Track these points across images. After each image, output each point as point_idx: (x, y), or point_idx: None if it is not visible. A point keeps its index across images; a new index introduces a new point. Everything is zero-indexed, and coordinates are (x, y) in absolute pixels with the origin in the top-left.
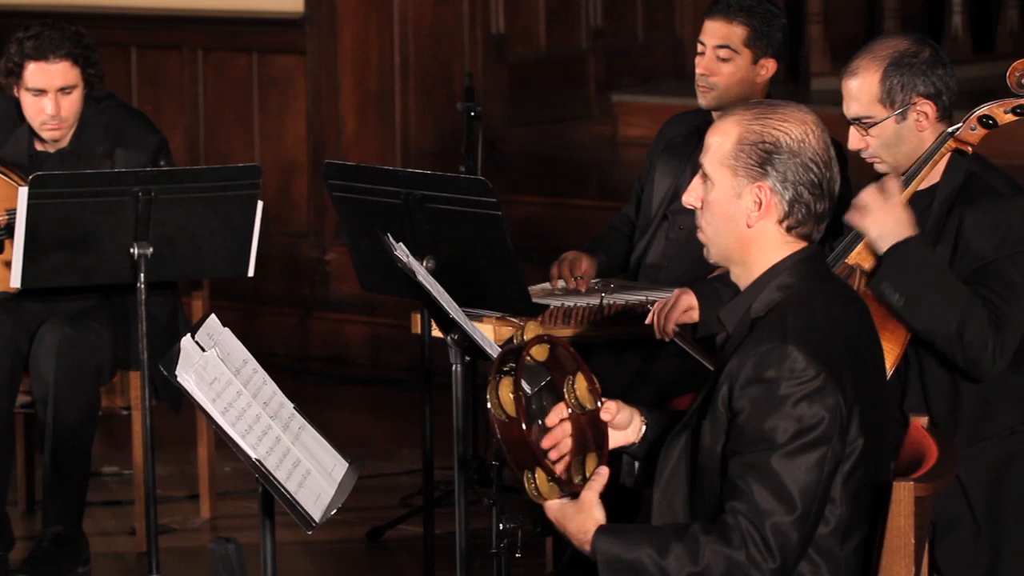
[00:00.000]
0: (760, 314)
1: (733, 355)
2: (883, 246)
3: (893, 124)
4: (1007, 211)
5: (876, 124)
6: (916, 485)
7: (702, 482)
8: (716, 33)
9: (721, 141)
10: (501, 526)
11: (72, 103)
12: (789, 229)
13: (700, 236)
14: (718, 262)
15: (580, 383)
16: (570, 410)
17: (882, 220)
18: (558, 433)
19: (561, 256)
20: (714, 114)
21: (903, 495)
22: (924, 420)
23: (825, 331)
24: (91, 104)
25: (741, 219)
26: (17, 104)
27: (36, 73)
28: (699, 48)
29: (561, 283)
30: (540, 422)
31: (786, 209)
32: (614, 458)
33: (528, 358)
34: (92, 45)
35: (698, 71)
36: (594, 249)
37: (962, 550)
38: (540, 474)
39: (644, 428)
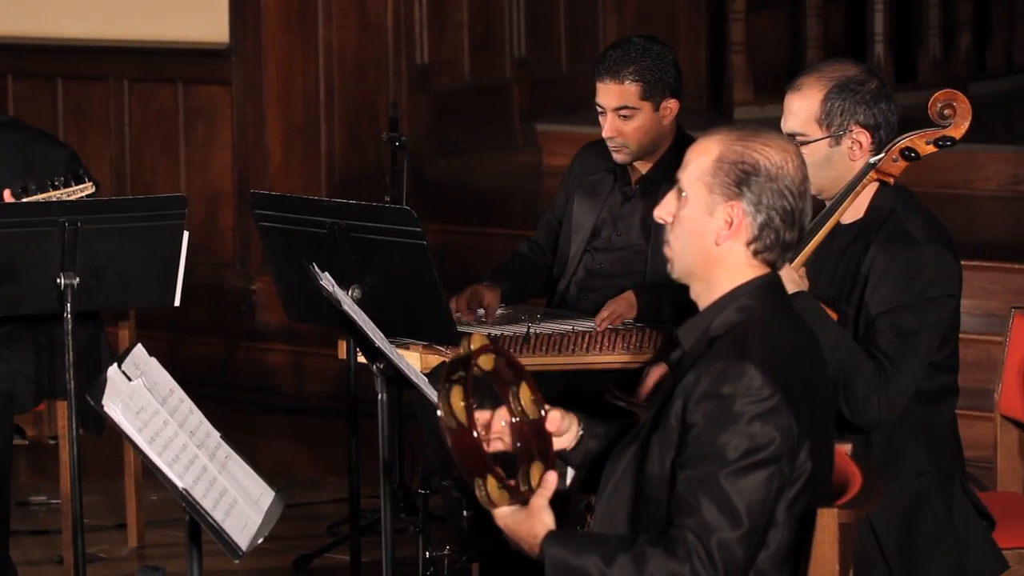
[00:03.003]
0: (719, 333)
1: (689, 370)
2: None
3: (825, 147)
4: (917, 259)
5: (809, 143)
6: (840, 512)
7: (647, 494)
8: (610, 95)
9: (701, 159)
10: (428, 554)
11: None
12: (756, 253)
13: (666, 251)
14: (680, 278)
15: (524, 393)
16: (515, 419)
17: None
18: (498, 444)
19: (462, 290)
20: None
21: (827, 522)
22: (848, 447)
23: (783, 355)
24: None
25: (710, 236)
26: None
27: None
28: (599, 110)
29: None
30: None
31: (756, 232)
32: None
33: (476, 368)
34: None
35: (605, 134)
36: (497, 278)
37: None
38: (491, 481)
39: (580, 434)
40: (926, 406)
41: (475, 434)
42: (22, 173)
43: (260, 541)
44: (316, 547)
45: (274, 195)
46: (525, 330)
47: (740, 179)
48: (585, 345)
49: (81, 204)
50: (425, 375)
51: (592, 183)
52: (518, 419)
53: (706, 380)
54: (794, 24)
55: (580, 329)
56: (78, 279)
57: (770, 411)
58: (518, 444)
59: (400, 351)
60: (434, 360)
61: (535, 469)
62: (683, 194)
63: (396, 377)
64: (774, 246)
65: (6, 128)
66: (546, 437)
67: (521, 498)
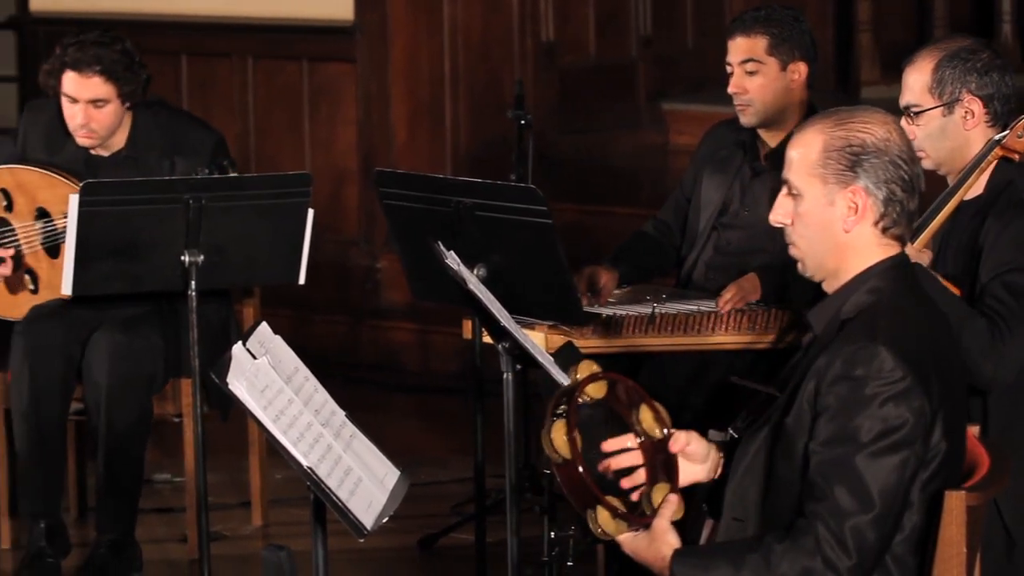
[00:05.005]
0: (850, 316)
1: (821, 354)
2: None
3: (939, 116)
4: None
5: (923, 112)
6: (968, 495)
7: (779, 480)
8: (738, 49)
9: (805, 151)
10: (552, 534)
11: (104, 116)
12: (885, 230)
13: (793, 252)
14: (814, 275)
15: (645, 414)
16: (639, 439)
17: None
18: (625, 459)
19: (579, 270)
20: (759, 131)
21: (955, 504)
22: (975, 429)
23: (914, 336)
24: (142, 111)
25: (837, 226)
26: None
27: (69, 82)
28: (728, 69)
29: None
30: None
31: (882, 209)
32: (689, 489)
33: (584, 397)
34: (135, 63)
35: (731, 91)
36: (617, 259)
37: (997, 566)
38: (602, 513)
39: (721, 465)
40: None
41: (580, 468)
42: (168, 153)
43: (385, 520)
44: (441, 527)
45: (399, 173)
46: (650, 310)
47: (853, 162)
48: (710, 325)
49: (206, 181)
50: (551, 355)
51: (722, 158)
52: (642, 440)
53: (838, 363)
54: (921, 3)
55: (705, 309)
56: (202, 256)
57: (903, 393)
58: (646, 466)
59: (525, 330)
60: (559, 340)
61: (658, 491)
62: (796, 192)
63: (521, 356)
64: (901, 218)
65: (153, 108)
66: (671, 459)
67: (641, 523)
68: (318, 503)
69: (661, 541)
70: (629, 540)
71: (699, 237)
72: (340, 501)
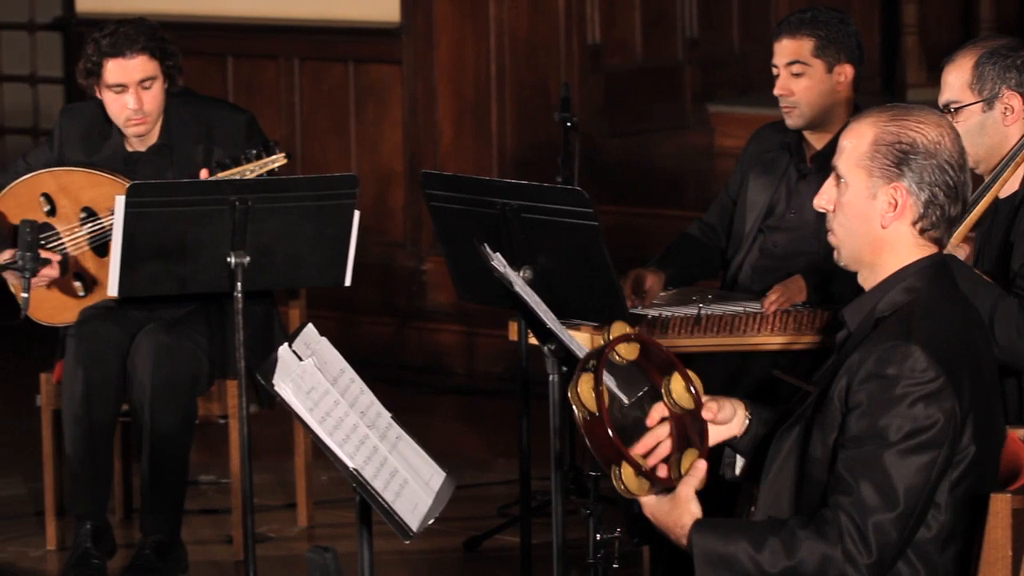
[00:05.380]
0: (885, 314)
1: (854, 351)
2: None
3: (979, 112)
4: None
5: (963, 108)
6: (1014, 498)
7: (811, 476)
8: (784, 51)
9: (856, 142)
10: (598, 536)
11: (153, 96)
12: (922, 231)
13: (831, 239)
14: (848, 265)
15: (676, 383)
16: (670, 410)
17: None
18: (658, 432)
19: (625, 273)
20: (805, 133)
21: (1001, 507)
22: (1022, 432)
23: (948, 336)
24: (173, 100)
25: (875, 220)
26: (104, 109)
27: (115, 70)
28: (774, 71)
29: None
30: (641, 426)
31: (921, 211)
32: (712, 450)
33: (616, 356)
34: (167, 39)
35: (776, 93)
36: (664, 262)
37: None
38: (627, 469)
39: (748, 420)
40: None
41: (606, 421)
42: (203, 139)
43: (431, 522)
44: (486, 528)
45: (445, 175)
46: (696, 311)
47: (899, 159)
48: (756, 326)
49: (252, 183)
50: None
51: (768, 160)
52: (673, 409)
53: (870, 361)
54: (967, 5)
55: (750, 310)
56: (248, 258)
57: (934, 393)
58: (673, 433)
59: (571, 332)
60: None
61: (687, 456)
62: (842, 180)
63: (567, 358)
64: (940, 222)
65: (182, 97)
66: (702, 426)
67: (665, 485)
68: (364, 504)
69: (683, 508)
70: (652, 503)
71: (745, 239)
72: (386, 503)
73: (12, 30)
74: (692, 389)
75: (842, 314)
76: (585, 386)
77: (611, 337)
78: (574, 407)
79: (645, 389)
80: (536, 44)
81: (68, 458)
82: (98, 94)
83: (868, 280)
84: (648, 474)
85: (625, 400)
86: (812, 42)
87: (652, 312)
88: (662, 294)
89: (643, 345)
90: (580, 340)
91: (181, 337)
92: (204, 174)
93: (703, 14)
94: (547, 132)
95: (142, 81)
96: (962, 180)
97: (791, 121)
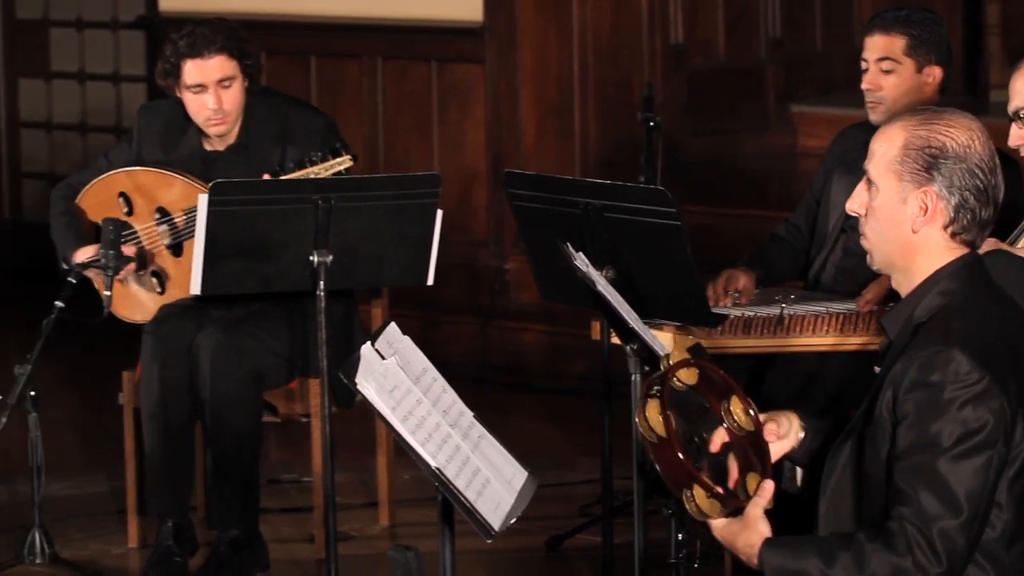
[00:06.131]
0: (922, 320)
1: (896, 361)
2: None
3: None
4: None
5: None
6: None
7: (868, 489)
8: (876, 47)
9: (887, 147)
10: (680, 536)
11: (233, 96)
12: (953, 235)
13: (863, 243)
14: (881, 269)
15: (736, 406)
16: (732, 433)
17: None
18: (717, 447)
19: (718, 272)
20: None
21: None
22: None
23: (988, 335)
24: (252, 99)
25: (906, 224)
26: (184, 109)
27: (193, 70)
28: (863, 65)
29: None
30: (705, 453)
31: (952, 215)
32: (775, 466)
33: (677, 382)
34: (245, 38)
35: (864, 87)
36: (753, 262)
37: None
38: (699, 491)
39: (803, 433)
40: None
41: (676, 445)
42: (281, 138)
43: (512, 521)
44: (568, 528)
45: (528, 174)
46: (779, 311)
47: (929, 164)
48: (839, 326)
49: (335, 182)
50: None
51: (851, 160)
52: (734, 431)
53: (913, 369)
54: None
55: (834, 310)
56: (331, 257)
57: (981, 395)
58: (737, 457)
59: (654, 332)
60: (687, 342)
61: (751, 478)
62: (873, 185)
63: (649, 358)
64: (971, 226)
65: (263, 96)
66: (763, 447)
67: (734, 506)
68: (446, 504)
69: (752, 528)
70: (721, 525)
71: (827, 239)
72: (468, 502)
73: (95, 28)
74: (751, 411)
75: (881, 323)
76: (652, 411)
77: (671, 363)
78: (642, 432)
79: (705, 413)
80: (619, 43)
81: (147, 456)
82: (178, 94)
83: (903, 285)
84: (719, 496)
85: (687, 425)
86: (904, 40)
87: (734, 312)
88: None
89: (702, 370)
90: (662, 340)
91: (242, 336)
92: (266, 178)
93: (786, 14)
94: (630, 132)
95: (221, 81)
96: (993, 183)
97: (875, 116)
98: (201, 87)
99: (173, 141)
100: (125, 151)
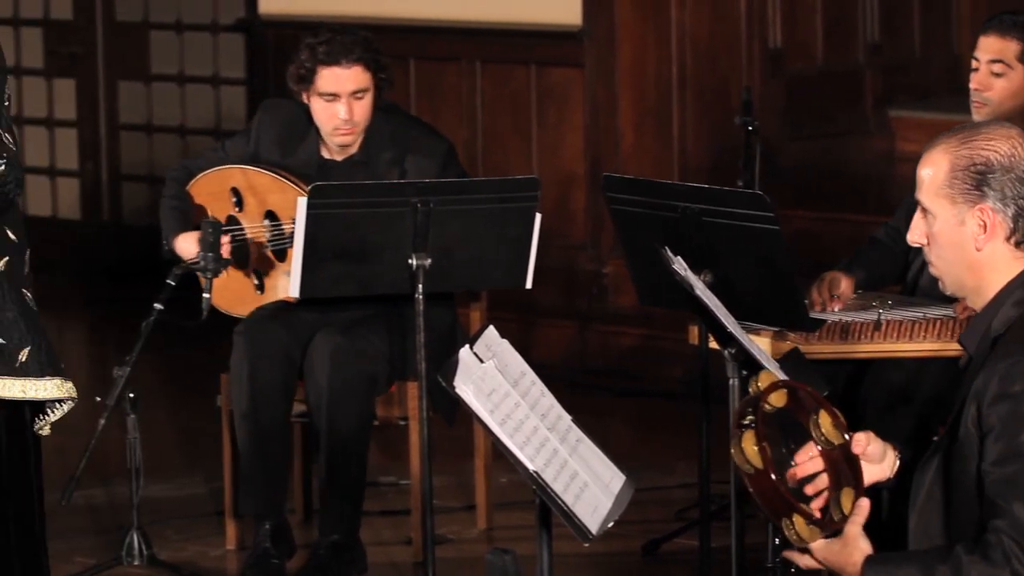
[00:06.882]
0: (1000, 332)
1: (978, 375)
2: None
3: None
4: None
5: None
6: None
7: (958, 504)
8: (990, 48)
9: (933, 172)
10: (776, 541)
11: (364, 108)
12: (1017, 244)
13: (932, 271)
14: (954, 292)
15: (824, 419)
16: (819, 447)
17: None
18: (810, 466)
19: (819, 276)
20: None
21: None
22: None
23: None
24: (377, 114)
25: (969, 245)
26: (306, 112)
27: (329, 78)
28: (973, 64)
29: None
30: (792, 463)
31: (1011, 225)
32: (873, 492)
33: (767, 406)
34: (381, 51)
35: (972, 86)
36: (853, 266)
37: None
38: (798, 519)
39: (898, 463)
40: None
41: (773, 476)
42: (397, 160)
43: (610, 525)
44: (665, 532)
45: (626, 178)
46: (876, 316)
47: (978, 181)
48: (936, 332)
49: (434, 185)
50: (777, 360)
51: None
52: (824, 447)
53: (995, 382)
54: None
55: (932, 316)
56: (430, 260)
57: None
58: (828, 472)
59: (751, 336)
60: (785, 347)
61: (845, 496)
62: (929, 213)
63: (747, 362)
64: None
65: (387, 113)
66: (854, 462)
67: (833, 529)
68: (543, 507)
69: (853, 547)
70: (821, 547)
71: None
72: (566, 505)
73: (195, 31)
74: (840, 425)
75: (960, 340)
76: (748, 443)
77: (761, 388)
78: (738, 464)
79: (796, 430)
80: (717, 48)
81: (240, 457)
82: (305, 99)
83: (977, 304)
84: (819, 521)
85: (780, 447)
86: (1020, 46)
87: (832, 317)
88: None
89: (790, 389)
90: (760, 344)
91: (358, 339)
92: None
93: (884, 18)
94: (728, 136)
95: (355, 92)
96: None
97: (978, 115)
98: (334, 96)
99: (292, 144)
100: (243, 145)
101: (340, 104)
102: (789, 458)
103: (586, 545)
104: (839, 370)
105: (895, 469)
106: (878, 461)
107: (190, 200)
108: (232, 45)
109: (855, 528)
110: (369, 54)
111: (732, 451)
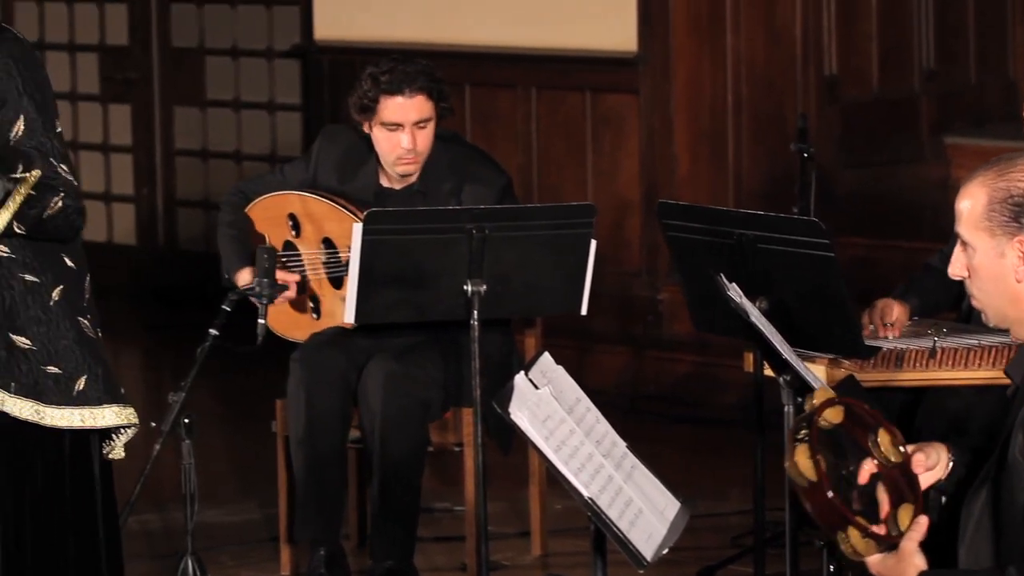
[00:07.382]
0: None
1: None
2: None
3: None
4: None
5: None
6: None
7: (1008, 534)
8: None
9: (971, 205)
10: (831, 568)
11: (426, 137)
12: None
13: (975, 304)
14: (998, 325)
15: (883, 438)
16: (880, 466)
17: None
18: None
19: (872, 303)
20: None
21: None
22: None
23: None
24: (437, 143)
25: (1009, 277)
26: (366, 140)
27: (392, 108)
28: None
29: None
30: (854, 485)
31: None
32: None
33: (823, 422)
34: (443, 80)
35: None
36: (907, 293)
37: None
38: (853, 532)
39: (951, 463)
40: None
41: (828, 489)
42: (455, 190)
43: (665, 552)
44: (720, 558)
45: (682, 205)
46: (931, 344)
47: (1017, 212)
48: (991, 360)
49: (489, 211)
50: (832, 388)
51: None
52: (883, 464)
53: None
54: None
55: (987, 343)
56: (485, 286)
57: None
58: (887, 489)
59: (806, 364)
60: (840, 374)
61: (904, 512)
62: (968, 246)
63: (802, 389)
64: None
65: (447, 142)
66: (913, 478)
67: (889, 543)
68: (598, 533)
69: (908, 562)
70: (877, 561)
71: None
72: (620, 532)
73: (251, 57)
74: (899, 443)
75: (1007, 370)
76: (802, 456)
77: (816, 404)
78: (793, 478)
79: (853, 447)
80: (773, 74)
81: (296, 483)
82: (367, 129)
83: (1021, 333)
84: (874, 535)
85: (836, 462)
86: None
87: (887, 345)
88: None
89: (847, 406)
90: (815, 371)
91: (412, 365)
92: None
93: (940, 45)
94: (783, 162)
95: (418, 121)
96: None
97: None
98: (398, 126)
99: (350, 172)
100: (302, 171)
101: (403, 134)
102: (849, 476)
103: (641, 572)
104: (893, 398)
105: (948, 469)
106: (933, 467)
107: (248, 225)
108: (287, 71)
109: (911, 544)
110: (432, 83)
111: (786, 465)
